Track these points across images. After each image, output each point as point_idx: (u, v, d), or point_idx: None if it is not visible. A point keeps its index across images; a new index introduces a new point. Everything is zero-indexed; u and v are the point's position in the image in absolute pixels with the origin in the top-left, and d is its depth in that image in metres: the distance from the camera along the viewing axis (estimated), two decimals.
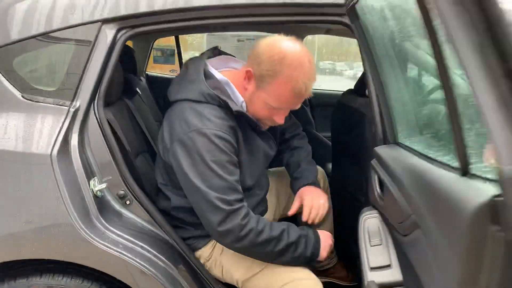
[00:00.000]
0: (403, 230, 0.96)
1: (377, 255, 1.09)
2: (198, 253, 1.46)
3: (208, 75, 1.34)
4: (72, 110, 1.28)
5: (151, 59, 3.23)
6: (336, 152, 2.10)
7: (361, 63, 1.37)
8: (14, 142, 1.21)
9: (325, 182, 1.83)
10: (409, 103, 1.18)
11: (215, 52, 1.50)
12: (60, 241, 1.22)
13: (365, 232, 1.15)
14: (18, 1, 1.34)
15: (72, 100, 1.29)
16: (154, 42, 2.98)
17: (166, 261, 1.31)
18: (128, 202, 1.34)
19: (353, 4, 1.22)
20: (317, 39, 10.22)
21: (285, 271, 1.36)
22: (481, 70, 0.50)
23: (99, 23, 1.30)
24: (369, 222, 1.17)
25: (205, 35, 4.14)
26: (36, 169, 1.21)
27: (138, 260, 1.25)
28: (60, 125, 1.26)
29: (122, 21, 1.32)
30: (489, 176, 0.63)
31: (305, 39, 2.64)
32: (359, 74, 1.90)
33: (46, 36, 1.31)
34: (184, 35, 3.77)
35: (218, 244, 1.43)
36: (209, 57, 1.45)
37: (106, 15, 1.31)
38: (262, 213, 1.57)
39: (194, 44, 5.72)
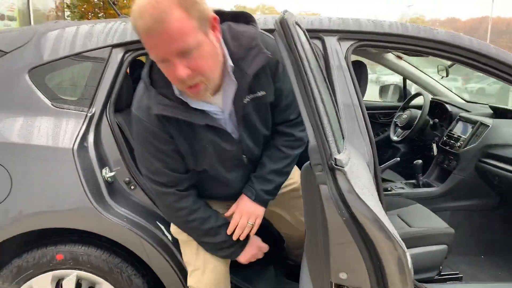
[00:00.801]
0: None
1: None
2: None
3: None
4: (89, 115, 1.65)
5: None
6: None
7: None
8: (45, 139, 1.59)
9: None
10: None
11: None
12: (79, 215, 1.59)
13: None
14: (49, 30, 1.72)
15: (89, 107, 1.66)
16: None
17: (161, 232, 1.66)
18: (132, 187, 1.70)
19: None
20: None
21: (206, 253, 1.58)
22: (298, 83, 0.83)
23: (110, 47, 1.68)
24: None
25: None
26: (62, 159, 1.58)
27: (138, 231, 1.60)
28: (80, 126, 1.63)
29: (128, 45, 1.69)
30: None
31: None
32: None
33: (69, 58, 1.68)
34: None
35: None
36: None
37: (115, 41, 1.68)
38: (229, 197, 1.58)
39: None
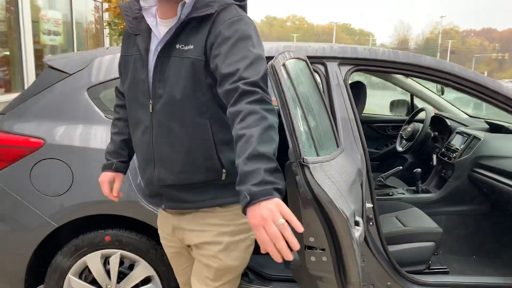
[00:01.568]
0: None
1: None
2: None
3: None
4: None
5: None
6: None
7: None
8: (100, 144, 2.00)
9: None
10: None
11: None
12: (126, 204, 1.99)
13: None
14: (102, 55, 2.15)
15: None
16: None
17: None
18: None
19: None
20: None
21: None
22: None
23: None
24: None
25: None
26: None
27: None
28: None
29: None
30: None
31: None
32: None
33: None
34: None
35: None
36: None
37: None
38: (145, 170, 1.43)
39: None
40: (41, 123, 2.04)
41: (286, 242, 0.94)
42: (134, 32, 1.35)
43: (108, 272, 2.09)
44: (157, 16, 1.34)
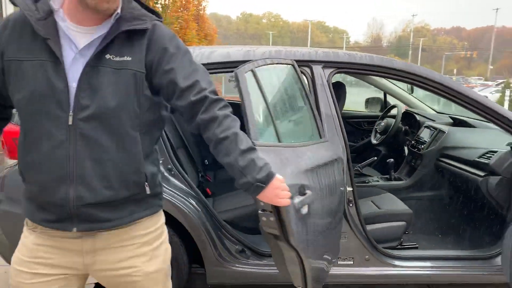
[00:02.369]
0: None
1: None
2: None
3: None
4: None
5: None
6: None
7: None
8: None
9: None
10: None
11: None
12: None
13: None
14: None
15: None
16: None
17: (194, 205, 2.31)
18: (173, 172, 2.36)
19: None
20: None
21: None
22: None
23: None
24: None
25: None
26: None
27: (178, 202, 2.26)
28: None
29: None
30: None
31: None
32: None
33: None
34: None
35: None
36: None
37: None
38: (42, 190, 1.26)
39: None
40: None
41: None
42: (46, 36, 1.18)
43: None
44: (67, 20, 1.22)
